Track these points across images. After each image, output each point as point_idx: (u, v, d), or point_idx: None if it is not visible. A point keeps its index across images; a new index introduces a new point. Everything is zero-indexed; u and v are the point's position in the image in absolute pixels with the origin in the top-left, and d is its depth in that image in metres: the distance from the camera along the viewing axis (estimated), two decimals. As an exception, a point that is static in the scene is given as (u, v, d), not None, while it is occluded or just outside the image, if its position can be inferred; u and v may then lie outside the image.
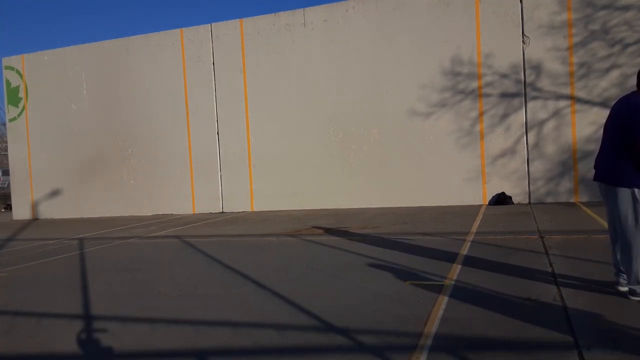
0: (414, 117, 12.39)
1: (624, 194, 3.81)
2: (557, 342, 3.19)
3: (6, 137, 18.22)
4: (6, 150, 20.63)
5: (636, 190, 3.77)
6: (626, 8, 10.87)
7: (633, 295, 3.88)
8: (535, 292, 4.30)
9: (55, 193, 15.85)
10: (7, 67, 16.46)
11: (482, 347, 3.19)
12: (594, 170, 4.26)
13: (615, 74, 10.99)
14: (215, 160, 14.22)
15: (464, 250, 6.37)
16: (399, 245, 7.01)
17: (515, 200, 11.70)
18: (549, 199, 11.54)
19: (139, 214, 14.82)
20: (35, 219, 15.91)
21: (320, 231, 8.95)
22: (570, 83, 11.31)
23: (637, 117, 3.69)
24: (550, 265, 5.26)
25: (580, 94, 11.23)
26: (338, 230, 8.91)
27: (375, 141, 12.74)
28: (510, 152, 11.73)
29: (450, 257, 5.95)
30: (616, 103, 4.07)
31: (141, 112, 14.91)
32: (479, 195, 11.98)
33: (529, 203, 11.58)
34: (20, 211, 16.34)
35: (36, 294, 5.54)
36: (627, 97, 3.96)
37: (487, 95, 11.88)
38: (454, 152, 12.10)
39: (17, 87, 16.29)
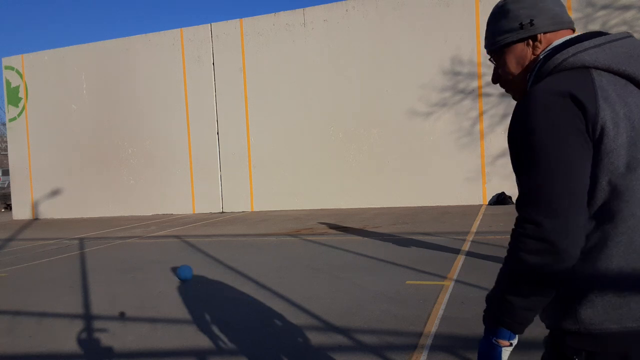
0: (414, 117, 12.39)
1: None
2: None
3: (6, 137, 18.22)
4: (6, 150, 20.63)
5: None
6: (626, 8, 10.87)
7: None
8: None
9: (55, 193, 15.85)
10: (7, 67, 16.46)
11: (482, 347, 3.19)
12: None
13: (615, 74, 10.98)
14: (215, 160, 14.22)
15: (464, 250, 6.37)
16: (399, 245, 7.01)
17: (515, 200, 11.70)
18: (549, 199, 11.52)
19: (139, 214, 14.82)
20: (35, 219, 15.91)
21: (320, 231, 8.95)
22: (570, 83, 11.30)
23: None
24: (550, 265, 5.26)
25: (580, 93, 11.22)
26: (338, 230, 8.91)
27: (375, 141, 12.74)
28: (510, 152, 11.72)
29: (450, 257, 5.96)
30: None
31: (141, 112, 14.91)
32: (479, 195, 11.97)
33: (529, 203, 11.57)
34: (20, 211, 16.34)
35: (36, 294, 5.54)
36: None
37: (487, 95, 11.87)
38: (454, 152, 12.10)
39: (17, 87, 16.29)
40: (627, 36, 1.15)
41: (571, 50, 1.12)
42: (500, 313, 1.15)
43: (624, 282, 1.06)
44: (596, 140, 1.06)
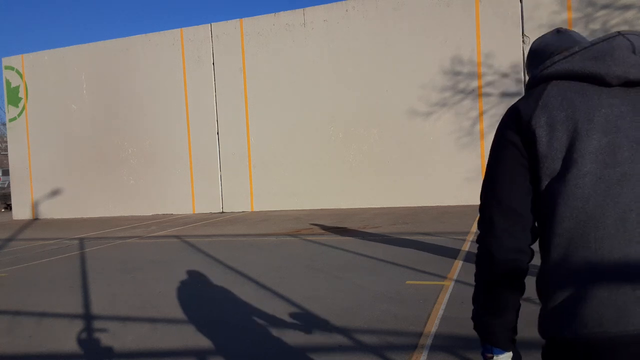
0: (414, 117, 12.39)
1: None
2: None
3: (6, 137, 18.22)
4: (6, 150, 20.63)
5: None
6: (626, 7, 10.87)
7: None
8: (534, 291, 4.29)
9: (55, 193, 15.84)
10: (7, 67, 16.46)
11: (482, 347, 3.19)
12: None
13: (615, 74, 10.98)
14: (215, 160, 14.22)
15: (464, 249, 6.37)
16: (398, 245, 7.00)
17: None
18: (549, 199, 11.52)
19: (139, 214, 14.82)
20: (35, 219, 15.90)
21: (320, 231, 8.95)
22: (570, 83, 11.30)
23: None
24: (551, 265, 5.25)
25: (580, 93, 11.22)
26: (338, 230, 8.90)
27: (375, 141, 12.74)
28: (510, 152, 11.72)
29: (450, 257, 5.95)
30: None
31: (141, 112, 14.90)
32: (479, 195, 11.94)
33: (529, 203, 11.57)
34: (20, 211, 16.34)
35: (36, 294, 5.53)
36: None
37: (487, 94, 11.87)
38: (454, 152, 12.10)
39: (17, 87, 16.29)
40: (610, 37, 1.11)
41: (541, 67, 1.18)
42: (474, 323, 1.20)
43: (568, 286, 1.03)
44: (531, 147, 1.10)
